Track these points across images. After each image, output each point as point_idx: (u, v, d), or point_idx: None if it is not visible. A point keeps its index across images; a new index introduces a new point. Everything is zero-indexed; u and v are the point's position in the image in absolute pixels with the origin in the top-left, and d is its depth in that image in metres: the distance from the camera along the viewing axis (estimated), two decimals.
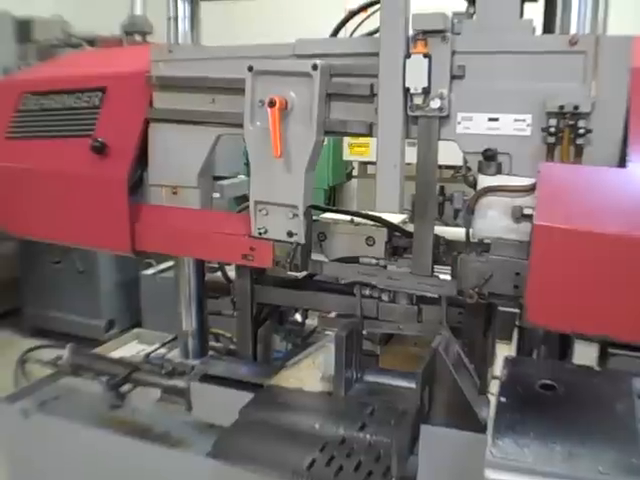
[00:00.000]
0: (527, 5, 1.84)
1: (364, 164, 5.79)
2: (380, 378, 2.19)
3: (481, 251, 1.88)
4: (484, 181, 1.83)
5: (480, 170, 1.83)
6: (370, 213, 2.27)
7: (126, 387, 2.39)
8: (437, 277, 2.01)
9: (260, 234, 2.11)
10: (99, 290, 5.20)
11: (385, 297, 2.15)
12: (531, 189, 1.77)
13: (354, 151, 5.24)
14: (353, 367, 2.12)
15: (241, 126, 2.04)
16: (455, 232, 2.15)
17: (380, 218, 2.24)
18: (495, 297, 1.88)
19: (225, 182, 4.50)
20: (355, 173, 6.37)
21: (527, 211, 1.77)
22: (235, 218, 2.27)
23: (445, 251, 2.06)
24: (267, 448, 1.86)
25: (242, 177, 5.22)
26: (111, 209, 2.26)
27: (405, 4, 1.77)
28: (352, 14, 2.18)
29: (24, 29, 6.27)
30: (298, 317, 2.57)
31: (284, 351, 2.60)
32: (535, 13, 1.89)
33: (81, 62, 2.80)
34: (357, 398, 2.07)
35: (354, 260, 2.17)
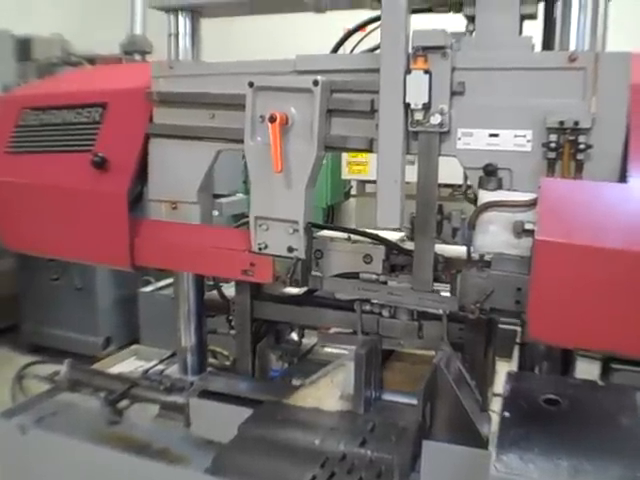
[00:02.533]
0: (526, 22, 1.86)
1: (362, 183, 5.80)
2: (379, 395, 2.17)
3: (482, 267, 1.87)
4: (485, 196, 1.83)
5: (481, 185, 1.84)
6: (367, 231, 2.27)
7: (124, 403, 2.36)
8: (438, 293, 2.00)
9: (260, 249, 2.10)
10: (97, 307, 5.17)
11: (385, 313, 2.14)
12: (532, 204, 1.77)
13: (353, 170, 5.26)
14: (372, 386, 2.09)
15: (241, 142, 2.05)
16: (453, 250, 2.15)
17: (378, 236, 2.23)
18: (496, 313, 1.88)
19: (224, 200, 4.50)
20: (353, 192, 6.38)
21: (528, 226, 1.77)
22: (235, 233, 2.26)
23: (444, 269, 2.05)
24: (267, 464, 1.84)
25: (240, 195, 5.24)
26: (111, 224, 2.26)
27: (405, 20, 1.78)
28: (350, 32, 2.20)
29: (24, 48, 6.31)
30: (294, 336, 2.56)
31: (280, 369, 2.57)
32: (534, 30, 1.90)
33: (81, 78, 2.81)
34: (356, 414, 2.05)
35: (354, 276, 2.16)
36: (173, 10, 2.24)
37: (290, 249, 2.06)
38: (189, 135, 2.17)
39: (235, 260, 2.15)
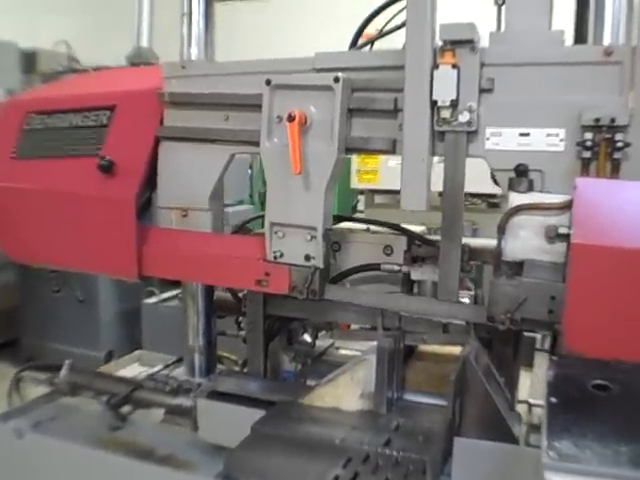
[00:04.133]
0: (557, 16, 1.77)
1: (372, 193, 5.62)
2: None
3: (513, 274, 1.77)
4: (515, 199, 1.73)
5: (511, 187, 1.74)
6: (388, 222, 2.18)
7: (127, 408, 2.24)
8: (464, 303, 1.90)
9: (275, 258, 2.00)
10: (99, 320, 5.06)
11: None
12: (566, 206, 1.67)
13: (362, 178, 5.11)
14: (395, 384, 1.97)
15: (256, 144, 1.95)
16: (478, 242, 2.06)
17: (399, 226, 2.14)
18: (528, 323, 1.77)
19: (230, 209, 4.42)
20: (361, 206, 6.20)
21: (562, 230, 1.67)
22: (249, 241, 2.16)
23: (468, 259, 1.95)
24: (284, 464, 1.71)
25: (246, 206, 5.18)
26: (117, 231, 2.16)
27: (432, 14, 1.70)
28: (368, 20, 2.09)
29: (29, 60, 6.32)
30: (307, 337, 2.44)
31: (293, 371, 2.47)
32: (565, 24, 1.82)
33: (87, 82, 2.73)
34: (378, 414, 1.94)
35: (374, 267, 2.06)
36: None
37: (307, 257, 1.95)
38: (202, 137, 2.07)
39: (249, 270, 2.04)
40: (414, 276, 2.00)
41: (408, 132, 1.76)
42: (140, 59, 5.73)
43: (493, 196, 4.70)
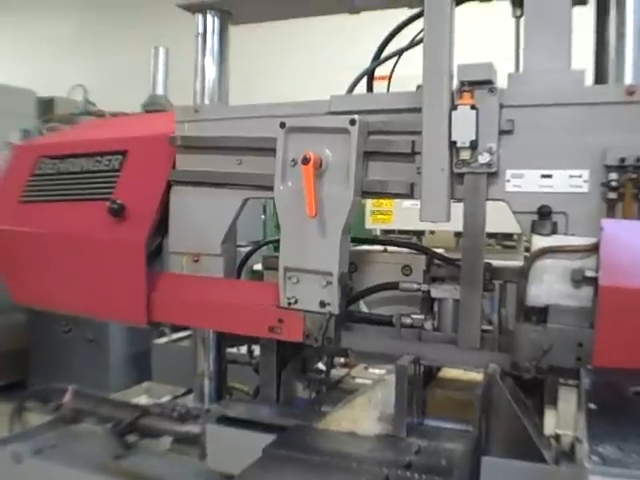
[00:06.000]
0: (576, 55, 1.73)
1: (386, 234, 5.50)
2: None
3: (537, 320, 1.70)
4: (539, 242, 1.68)
5: (534, 230, 1.68)
6: (406, 241, 2.12)
7: (133, 437, 2.15)
8: (485, 351, 1.82)
9: (289, 304, 1.93)
10: (109, 360, 5.03)
11: (428, 326, 1.92)
12: (592, 249, 1.61)
13: (376, 219, 5.04)
14: (414, 406, 1.85)
15: (270, 188, 1.92)
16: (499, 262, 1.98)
17: (418, 245, 2.08)
18: (555, 371, 1.69)
19: (243, 250, 4.39)
20: None
21: (589, 273, 1.61)
22: (261, 287, 2.11)
23: (491, 279, 1.86)
24: None
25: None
26: (127, 275, 2.12)
27: (449, 54, 1.67)
28: (387, 41, 2.04)
29: (47, 106, 6.49)
30: (321, 366, 2.36)
31: (308, 398, 2.35)
32: (584, 62, 1.78)
33: (100, 127, 2.73)
34: (397, 438, 1.82)
35: (393, 286, 1.98)
36: (201, 10, 2.16)
37: (323, 304, 1.89)
38: (214, 182, 2.04)
39: (261, 316, 1.99)
40: (434, 294, 1.91)
41: (428, 173, 1.72)
42: (155, 107, 5.78)
43: (509, 237, 4.58)
